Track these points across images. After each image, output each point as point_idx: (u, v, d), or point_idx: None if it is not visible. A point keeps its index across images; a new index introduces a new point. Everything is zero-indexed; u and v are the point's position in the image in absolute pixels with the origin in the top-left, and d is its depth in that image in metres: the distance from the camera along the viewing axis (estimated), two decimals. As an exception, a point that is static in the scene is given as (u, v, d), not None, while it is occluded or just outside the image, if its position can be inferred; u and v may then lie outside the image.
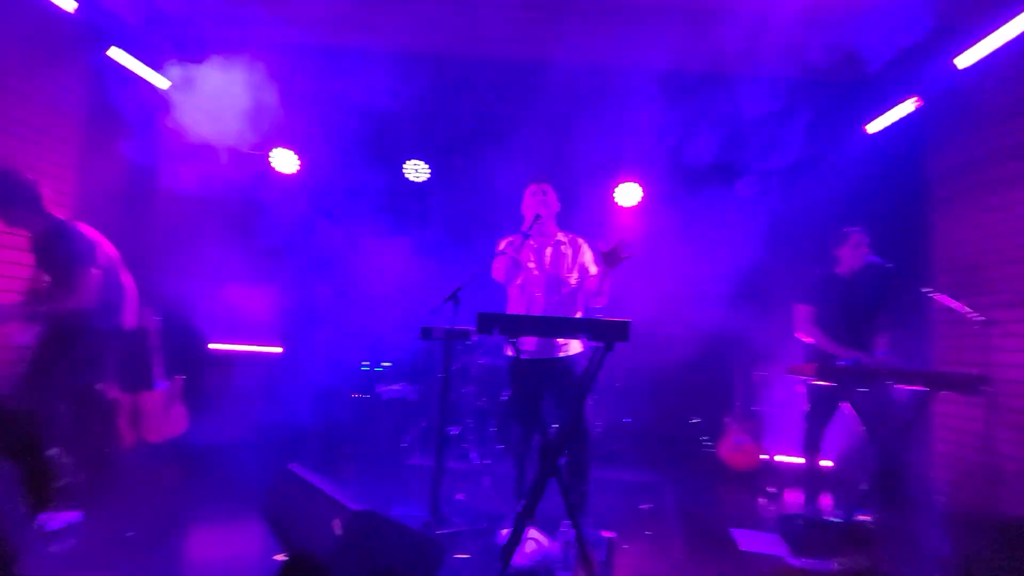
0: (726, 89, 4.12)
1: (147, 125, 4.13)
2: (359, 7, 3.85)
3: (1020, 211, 3.33)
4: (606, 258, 2.63)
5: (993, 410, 3.01)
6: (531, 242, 2.94)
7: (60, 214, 2.79)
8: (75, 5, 3.18)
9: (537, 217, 2.85)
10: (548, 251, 3.00)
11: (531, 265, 2.95)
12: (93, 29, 3.32)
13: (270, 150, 4.80)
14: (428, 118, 5.02)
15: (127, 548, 2.49)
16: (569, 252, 3.02)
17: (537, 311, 2.90)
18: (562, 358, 2.91)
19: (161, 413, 3.99)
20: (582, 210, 4.78)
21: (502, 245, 2.94)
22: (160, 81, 3.93)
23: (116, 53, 3.58)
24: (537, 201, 2.95)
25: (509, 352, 2.81)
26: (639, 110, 4.59)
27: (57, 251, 2.69)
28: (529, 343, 2.88)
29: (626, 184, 5.13)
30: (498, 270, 2.92)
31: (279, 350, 4.89)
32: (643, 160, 5.01)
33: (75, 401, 2.90)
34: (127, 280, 3.05)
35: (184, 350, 4.45)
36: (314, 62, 4.14)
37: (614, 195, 5.16)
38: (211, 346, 4.75)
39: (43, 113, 3.56)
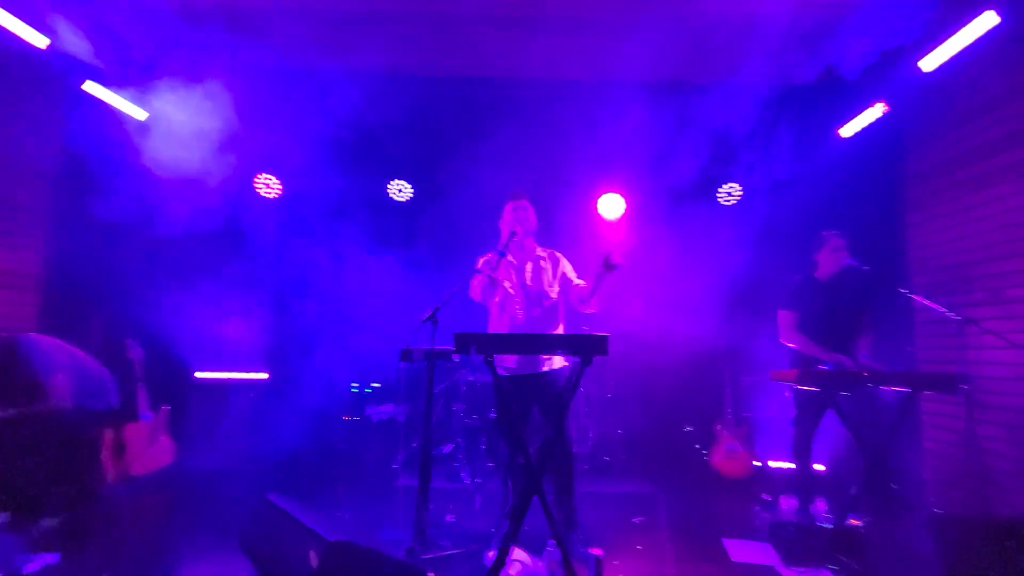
0: (703, 100, 4.17)
1: (124, 157, 4.14)
2: (337, 30, 3.89)
3: (991, 210, 3.37)
4: (605, 262, 2.61)
5: (976, 408, 3.01)
6: (510, 259, 2.95)
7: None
8: (47, 42, 3.20)
9: (512, 234, 2.87)
10: (528, 266, 3.01)
11: (507, 284, 2.95)
12: (66, 64, 3.33)
13: (253, 175, 4.81)
14: (411, 137, 5.06)
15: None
16: (548, 267, 3.03)
17: (518, 328, 2.90)
18: (546, 372, 2.90)
19: (146, 445, 3.94)
20: (566, 224, 4.81)
21: (480, 263, 2.95)
22: (137, 113, 3.94)
23: (91, 87, 3.59)
24: (515, 218, 2.97)
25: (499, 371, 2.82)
26: (619, 122, 4.64)
27: (17, 370, 2.77)
28: (509, 360, 2.88)
29: (609, 195, 5.15)
30: (475, 289, 2.93)
31: (265, 376, 4.85)
32: (625, 171, 5.06)
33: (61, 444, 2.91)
34: (93, 363, 3.15)
35: (169, 380, 4.41)
36: (293, 85, 4.18)
37: (597, 207, 5.19)
38: (197, 375, 4.71)
39: (15, 148, 3.57)
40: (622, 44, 3.97)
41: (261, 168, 4.82)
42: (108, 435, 3.62)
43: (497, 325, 2.99)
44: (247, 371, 4.81)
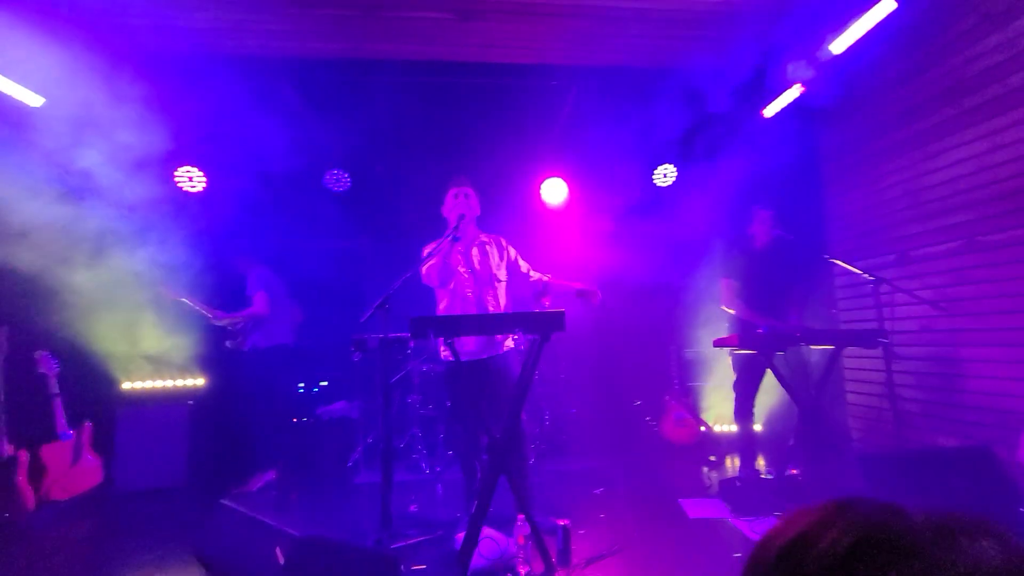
0: (640, 85, 4.29)
1: (25, 148, 3.71)
2: (264, 11, 3.65)
3: (892, 180, 3.73)
4: (580, 294, 2.91)
5: (892, 360, 3.34)
6: (458, 245, 2.94)
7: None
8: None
9: (461, 217, 2.85)
10: (474, 251, 3.03)
11: (461, 269, 2.96)
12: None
13: (175, 168, 4.46)
14: (346, 125, 4.87)
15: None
16: (494, 251, 3.09)
17: (471, 311, 2.90)
18: (498, 355, 2.94)
19: (68, 466, 3.59)
20: (510, 211, 4.83)
21: (428, 250, 2.91)
22: (32, 99, 3.54)
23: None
24: (459, 203, 2.96)
25: (446, 355, 2.78)
26: (559, 108, 4.70)
27: None
28: (468, 344, 2.87)
29: (551, 180, 5.21)
30: (430, 275, 2.90)
31: (202, 381, 4.55)
32: (567, 156, 5.14)
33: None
34: None
35: (92, 393, 4.04)
36: (219, 73, 3.89)
37: (540, 193, 5.24)
38: (124, 386, 4.34)
39: None
40: (561, 30, 4.01)
41: (183, 161, 4.48)
42: (24, 457, 3.27)
43: (449, 310, 2.97)
44: (181, 378, 4.49)
